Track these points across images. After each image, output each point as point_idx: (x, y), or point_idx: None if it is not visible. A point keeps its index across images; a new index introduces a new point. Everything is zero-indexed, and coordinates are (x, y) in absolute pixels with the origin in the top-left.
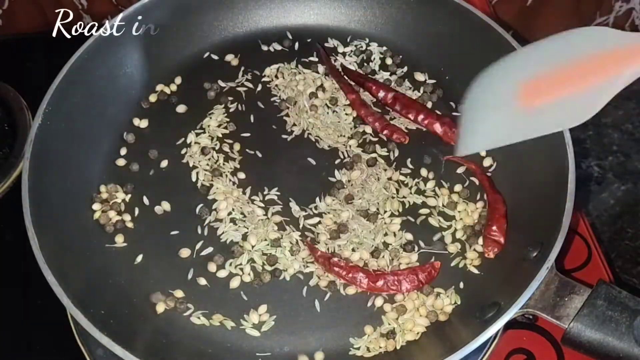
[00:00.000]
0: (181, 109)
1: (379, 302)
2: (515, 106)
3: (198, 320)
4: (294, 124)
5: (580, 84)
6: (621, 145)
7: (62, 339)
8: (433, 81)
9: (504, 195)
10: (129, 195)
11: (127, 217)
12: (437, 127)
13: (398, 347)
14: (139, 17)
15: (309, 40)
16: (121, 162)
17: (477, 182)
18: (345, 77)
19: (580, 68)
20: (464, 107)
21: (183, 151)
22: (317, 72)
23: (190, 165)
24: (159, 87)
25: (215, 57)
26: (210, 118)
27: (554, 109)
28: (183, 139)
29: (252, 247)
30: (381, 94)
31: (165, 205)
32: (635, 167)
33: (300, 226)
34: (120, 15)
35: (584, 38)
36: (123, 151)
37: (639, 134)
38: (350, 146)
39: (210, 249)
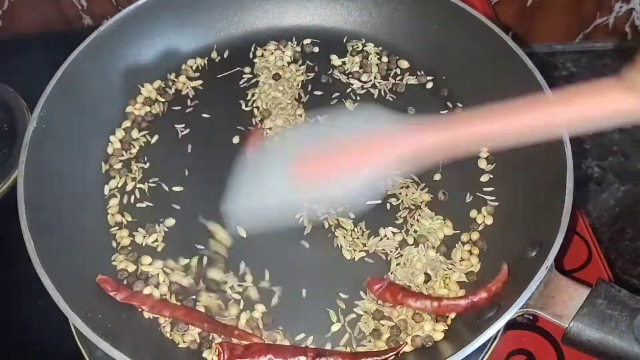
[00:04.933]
0: (177, 110)
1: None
2: (286, 176)
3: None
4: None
5: (342, 165)
6: (621, 145)
7: (62, 340)
8: (430, 78)
9: (503, 195)
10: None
11: (128, 218)
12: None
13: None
14: (136, 19)
15: (304, 41)
16: (118, 165)
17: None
18: None
19: (343, 151)
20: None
21: None
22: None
23: None
24: (156, 89)
25: (210, 58)
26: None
27: (319, 185)
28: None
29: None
30: None
31: None
32: (635, 168)
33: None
34: (118, 16)
35: (355, 119)
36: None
37: (639, 135)
38: None
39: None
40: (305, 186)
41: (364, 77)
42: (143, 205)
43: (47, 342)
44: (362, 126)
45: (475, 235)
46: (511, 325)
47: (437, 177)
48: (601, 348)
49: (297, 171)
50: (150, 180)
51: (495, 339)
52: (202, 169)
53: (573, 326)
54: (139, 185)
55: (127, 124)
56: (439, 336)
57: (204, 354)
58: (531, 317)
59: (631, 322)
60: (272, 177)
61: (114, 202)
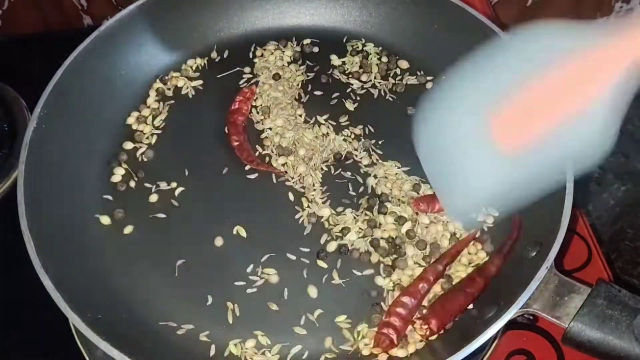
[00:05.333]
0: (177, 110)
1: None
2: (495, 150)
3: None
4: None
5: (564, 103)
6: (621, 145)
7: (62, 340)
8: (430, 78)
9: None
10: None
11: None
12: None
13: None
14: (137, 19)
15: (304, 41)
16: (117, 166)
17: None
18: None
19: (556, 80)
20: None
21: None
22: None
23: None
24: (155, 89)
25: (210, 58)
26: None
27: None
28: None
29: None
30: None
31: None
32: (635, 168)
33: None
34: (117, 17)
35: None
36: (120, 155)
37: (639, 135)
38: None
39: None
40: (513, 153)
41: (364, 77)
42: (144, 204)
43: (47, 342)
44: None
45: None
46: (511, 325)
47: None
48: (601, 348)
49: (497, 135)
50: (151, 180)
51: (495, 339)
52: (203, 168)
53: (573, 326)
54: (139, 185)
55: (129, 121)
56: None
57: (230, 347)
58: (531, 317)
59: (631, 323)
60: (471, 148)
61: (114, 200)
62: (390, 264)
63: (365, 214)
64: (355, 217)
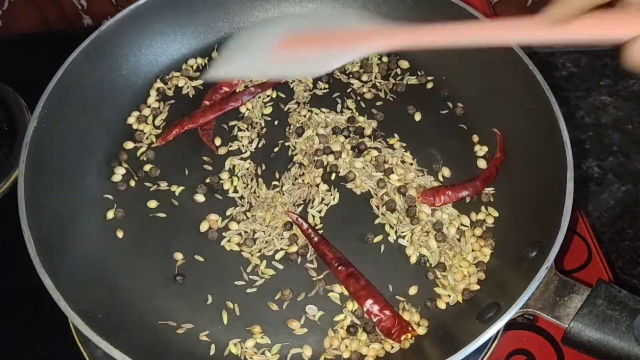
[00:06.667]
0: (178, 110)
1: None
2: (269, 52)
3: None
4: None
5: (322, 47)
6: (621, 145)
7: (62, 339)
8: (431, 78)
9: (503, 196)
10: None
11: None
12: None
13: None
14: (137, 19)
15: None
16: (118, 166)
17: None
18: None
19: (327, 35)
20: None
21: None
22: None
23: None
24: (156, 89)
25: (211, 57)
26: None
27: (297, 61)
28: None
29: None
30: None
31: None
32: (635, 168)
33: None
34: (118, 16)
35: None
36: (120, 154)
37: (639, 135)
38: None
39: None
40: (285, 56)
41: (365, 77)
42: (144, 204)
43: (47, 342)
44: (345, 21)
45: (478, 232)
46: (511, 325)
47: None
48: (601, 348)
49: (281, 45)
50: (151, 180)
51: (495, 339)
52: (202, 168)
53: (573, 326)
54: (140, 184)
55: (129, 120)
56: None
57: (230, 346)
58: (531, 317)
59: (631, 323)
60: (259, 47)
61: (114, 200)
62: None
63: None
64: None
